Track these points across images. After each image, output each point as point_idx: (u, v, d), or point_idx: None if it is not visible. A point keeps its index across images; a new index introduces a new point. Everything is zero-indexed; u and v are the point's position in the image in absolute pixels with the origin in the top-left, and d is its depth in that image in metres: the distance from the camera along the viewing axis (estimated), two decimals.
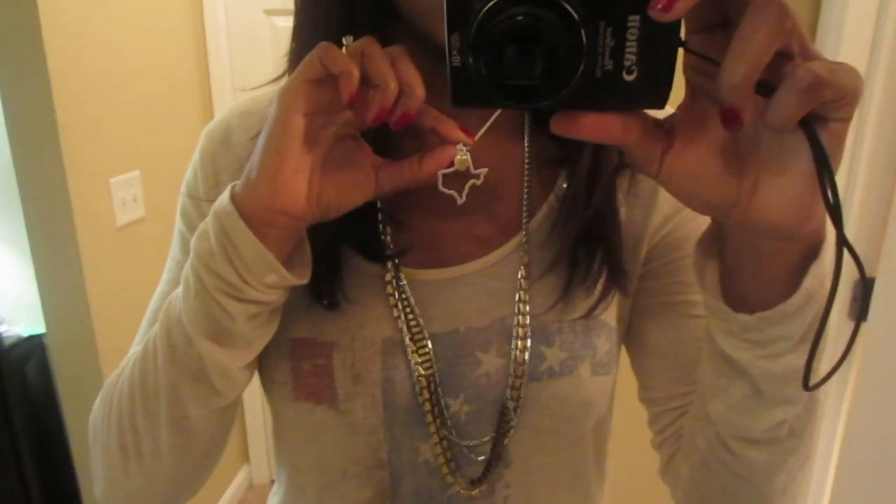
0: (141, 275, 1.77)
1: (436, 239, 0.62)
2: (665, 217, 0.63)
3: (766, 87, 0.34)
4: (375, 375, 0.59)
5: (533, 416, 0.60)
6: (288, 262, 0.51)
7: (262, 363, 0.61)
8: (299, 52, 0.57)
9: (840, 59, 0.35)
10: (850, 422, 1.38)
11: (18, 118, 1.50)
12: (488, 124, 0.60)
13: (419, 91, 0.45)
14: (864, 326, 1.29)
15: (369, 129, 0.50)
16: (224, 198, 0.49)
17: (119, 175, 1.74)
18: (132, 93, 1.80)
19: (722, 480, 0.57)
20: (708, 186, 0.40)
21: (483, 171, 0.61)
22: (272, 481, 2.02)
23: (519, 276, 0.60)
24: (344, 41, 0.50)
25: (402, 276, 0.60)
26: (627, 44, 0.36)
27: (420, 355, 0.59)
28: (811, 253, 0.42)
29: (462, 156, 0.59)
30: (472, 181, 0.61)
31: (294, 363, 0.60)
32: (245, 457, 2.75)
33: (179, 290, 0.53)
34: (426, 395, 0.59)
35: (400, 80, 0.45)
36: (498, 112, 0.61)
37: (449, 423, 0.60)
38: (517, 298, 0.60)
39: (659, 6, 0.33)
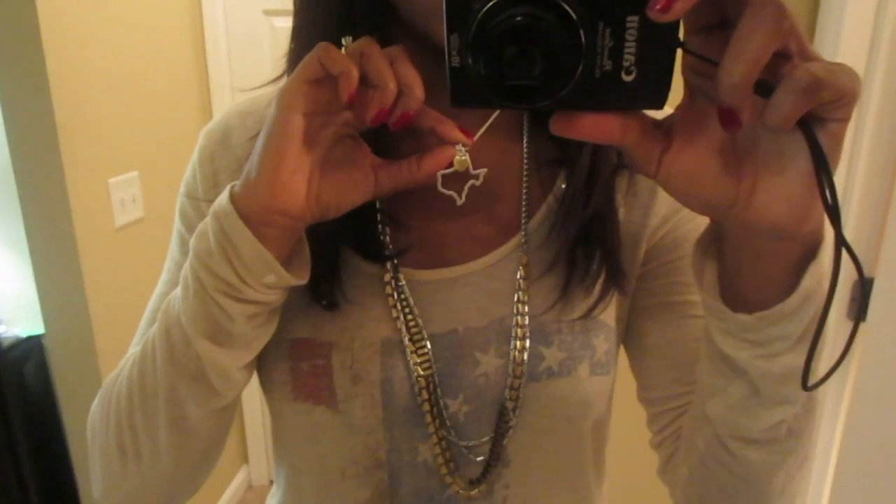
0: (140, 275, 1.77)
1: (435, 239, 0.62)
2: (663, 217, 0.63)
3: (764, 88, 0.34)
4: (374, 376, 0.59)
5: (532, 416, 0.60)
6: (287, 263, 0.51)
7: (261, 363, 0.61)
8: (298, 53, 0.57)
9: (838, 60, 0.35)
10: (848, 422, 1.38)
11: (17, 118, 1.49)
12: (487, 125, 0.60)
13: (418, 91, 0.45)
14: (862, 326, 1.29)
15: (368, 130, 0.50)
16: (223, 198, 0.49)
17: (118, 175, 1.73)
18: (131, 93, 1.80)
19: (720, 480, 0.57)
20: (706, 187, 0.40)
21: (482, 171, 0.61)
22: (271, 482, 2.02)
23: (518, 276, 0.60)
24: (343, 41, 0.50)
25: (401, 276, 0.60)
26: (626, 44, 0.36)
27: (419, 356, 0.59)
28: (809, 253, 0.42)
29: (461, 156, 0.59)
30: (471, 181, 0.61)
31: (293, 363, 0.60)
32: (244, 457, 2.74)
33: (178, 291, 0.53)
34: (425, 395, 0.59)
35: (399, 80, 0.45)
36: (497, 113, 0.61)
37: (448, 423, 0.60)
38: (516, 299, 0.60)
39: (657, 7, 0.33)
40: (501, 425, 0.60)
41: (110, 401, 0.59)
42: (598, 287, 0.61)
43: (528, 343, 0.59)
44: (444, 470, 0.61)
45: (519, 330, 0.59)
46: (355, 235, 0.60)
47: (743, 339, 0.46)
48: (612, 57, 0.36)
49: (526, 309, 0.60)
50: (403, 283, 0.60)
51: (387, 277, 0.60)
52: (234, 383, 0.55)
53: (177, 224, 0.66)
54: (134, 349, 0.61)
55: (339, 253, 0.60)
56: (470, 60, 0.36)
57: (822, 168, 0.36)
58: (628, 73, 0.36)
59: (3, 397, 1.59)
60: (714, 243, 0.47)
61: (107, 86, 1.69)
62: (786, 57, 0.35)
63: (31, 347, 1.66)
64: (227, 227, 0.48)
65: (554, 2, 0.34)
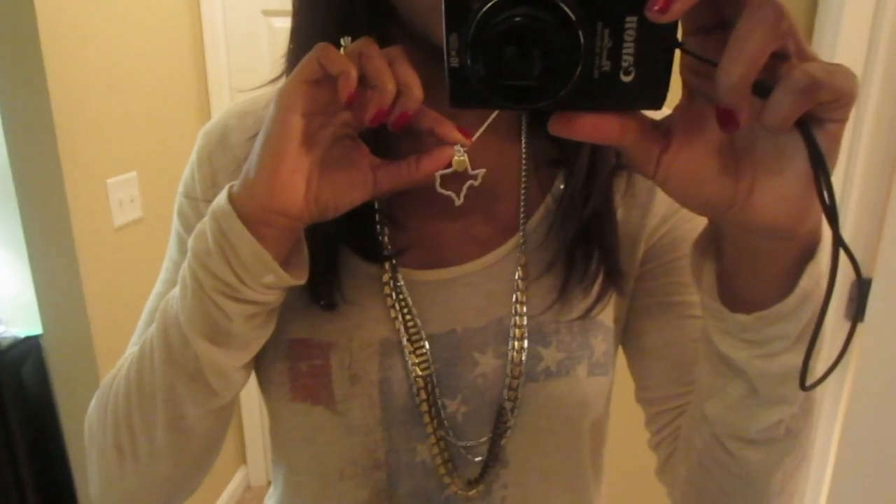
0: (138, 276, 1.76)
1: (433, 240, 0.62)
2: (662, 218, 0.63)
3: (762, 88, 0.34)
4: (373, 376, 0.59)
5: (530, 416, 0.60)
6: (285, 263, 0.51)
7: (260, 364, 0.61)
8: (297, 53, 0.57)
9: (836, 61, 0.36)
10: (846, 422, 1.38)
11: (15, 119, 1.49)
12: (486, 125, 0.60)
13: (417, 91, 0.45)
14: (860, 327, 1.29)
15: (367, 130, 0.50)
16: (222, 198, 0.49)
17: (116, 176, 1.73)
18: (129, 93, 1.80)
19: (719, 480, 0.57)
20: (705, 187, 0.40)
21: (481, 171, 0.61)
22: (269, 483, 2.01)
23: (516, 276, 0.60)
24: (342, 42, 0.50)
25: (400, 276, 0.60)
26: (625, 45, 0.36)
27: (417, 356, 0.59)
28: (808, 253, 0.43)
29: (460, 157, 0.59)
30: (469, 182, 0.61)
31: (291, 364, 0.60)
32: (242, 458, 2.74)
33: (176, 291, 0.53)
34: (423, 395, 0.59)
35: (398, 80, 0.45)
36: (496, 113, 0.61)
37: (446, 423, 0.60)
38: (514, 299, 0.60)
39: (656, 7, 0.33)
40: (499, 426, 0.60)
41: (108, 401, 0.59)
42: (596, 287, 0.61)
43: (526, 343, 0.59)
44: (442, 470, 0.61)
45: (517, 330, 0.59)
46: (354, 235, 0.60)
47: (741, 339, 0.46)
48: (611, 57, 0.36)
49: (524, 309, 0.60)
50: (402, 283, 0.60)
51: (385, 278, 0.60)
52: (233, 383, 0.55)
53: (175, 224, 0.66)
54: (132, 349, 0.61)
55: (338, 253, 0.60)
56: (469, 61, 0.36)
57: (820, 168, 0.36)
58: (627, 73, 0.37)
59: (1, 398, 1.59)
60: (712, 243, 0.47)
61: (105, 86, 1.69)
62: (784, 57, 0.35)
63: (29, 348, 1.66)
64: (226, 227, 0.48)
65: (553, 2, 0.34)
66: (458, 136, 0.49)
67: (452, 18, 0.36)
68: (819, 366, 0.47)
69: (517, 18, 0.34)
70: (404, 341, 0.59)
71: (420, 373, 0.59)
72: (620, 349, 0.69)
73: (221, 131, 0.64)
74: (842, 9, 1.26)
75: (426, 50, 0.48)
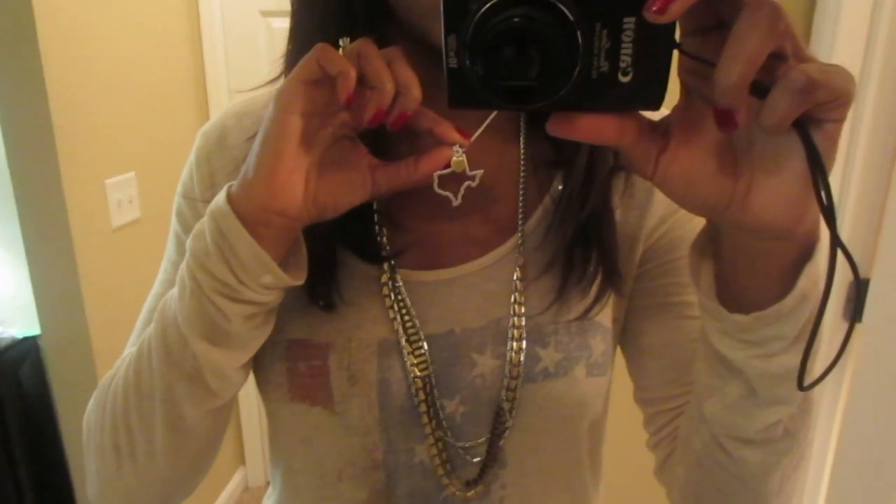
0: (136, 276, 1.76)
1: (432, 240, 0.62)
2: (660, 218, 0.63)
3: (760, 89, 0.34)
4: (371, 377, 0.59)
5: (528, 416, 0.60)
6: (284, 263, 0.51)
7: (258, 364, 0.61)
8: (296, 54, 0.57)
9: (834, 61, 0.36)
10: (845, 422, 1.38)
11: (14, 119, 1.49)
12: (484, 126, 0.60)
13: (415, 92, 0.45)
14: (858, 327, 1.29)
15: (366, 131, 0.50)
16: (220, 198, 0.49)
17: (114, 176, 1.73)
18: (128, 94, 1.79)
19: (717, 481, 0.57)
20: (703, 187, 0.40)
21: (479, 172, 0.61)
22: (268, 483, 2.01)
23: (514, 277, 0.60)
24: (341, 43, 0.50)
25: (399, 277, 0.60)
26: (623, 45, 0.36)
27: (416, 356, 0.59)
28: (805, 253, 0.43)
29: (458, 157, 0.59)
30: (467, 183, 0.61)
31: (290, 364, 0.59)
32: (241, 459, 2.74)
33: (175, 291, 0.53)
34: (422, 396, 0.59)
35: (396, 81, 0.45)
36: (494, 114, 0.61)
37: (444, 424, 0.60)
38: (513, 300, 0.60)
39: (654, 8, 0.33)
40: (498, 426, 0.60)
41: (106, 401, 0.59)
42: (594, 288, 0.61)
43: (524, 344, 0.59)
44: (440, 471, 0.61)
45: (515, 331, 0.59)
46: (352, 236, 0.60)
47: (739, 340, 0.46)
48: (609, 58, 0.36)
49: (522, 310, 0.60)
50: (400, 283, 0.60)
51: (384, 278, 0.60)
52: (231, 384, 0.55)
53: (174, 224, 0.66)
54: (130, 349, 0.61)
55: (336, 254, 0.60)
56: (467, 61, 0.36)
57: (818, 169, 0.36)
58: (625, 74, 0.37)
59: None
60: (710, 244, 0.47)
61: (104, 86, 1.69)
62: (781, 58, 0.35)
63: (27, 348, 1.65)
64: (224, 228, 0.48)
65: (551, 3, 0.34)
66: (456, 136, 0.49)
67: (451, 19, 0.36)
68: (817, 366, 0.47)
69: (515, 19, 0.34)
70: (403, 342, 0.59)
71: (418, 373, 0.59)
72: (619, 350, 0.69)
73: (220, 132, 0.64)
74: (839, 9, 1.26)
75: (424, 50, 0.48)
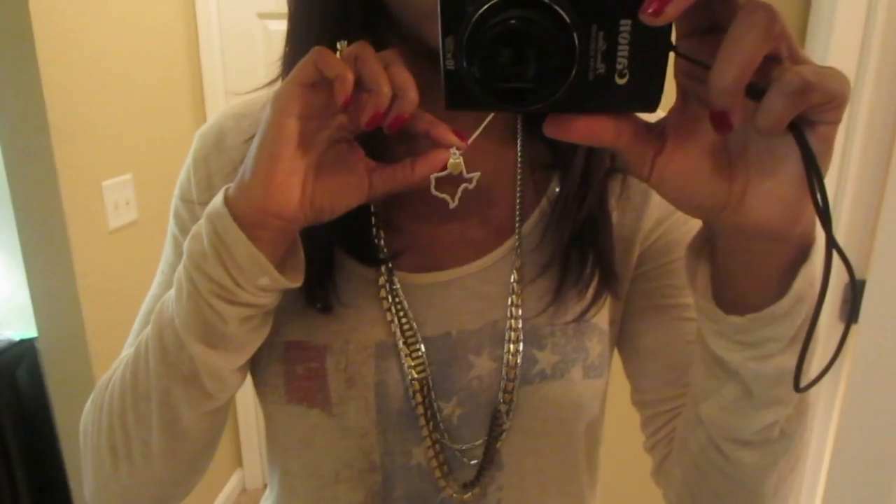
0: (133, 278, 1.76)
1: (429, 242, 0.62)
2: (656, 221, 0.63)
3: (755, 91, 0.34)
4: (368, 379, 0.59)
5: (525, 419, 0.60)
6: (281, 266, 0.51)
7: (255, 366, 0.61)
8: (293, 57, 0.57)
9: (829, 63, 0.36)
10: (841, 423, 1.38)
11: (10, 121, 1.49)
12: (481, 128, 0.60)
13: (412, 94, 0.45)
14: (854, 328, 1.29)
15: (363, 133, 0.51)
16: (217, 200, 0.49)
17: (111, 178, 1.73)
18: (125, 96, 1.79)
19: (714, 482, 0.57)
20: (698, 189, 0.40)
21: (476, 174, 0.61)
22: (265, 485, 2.01)
23: (511, 279, 0.61)
24: (338, 46, 0.50)
25: (396, 279, 0.60)
26: (619, 47, 0.36)
27: (413, 359, 0.59)
28: (801, 255, 0.43)
29: (455, 159, 0.60)
30: (464, 185, 0.61)
31: (287, 366, 0.59)
32: (238, 461, 2.74)
33: (172, 293, 0.53)
34: (419, 398, 0.59)
35: (393, 83, 0.45)
36: (491, 116, 0.61)
37: (441, 426, 0.60)
38: (509, 302, 0.60)
39: (650, 10, 0.33)
40: (495, 428, 0.60)
41: (103, 402, 0.59)
42: (591, 290, 0.61)
43: (521, 346, 0.59)
44: (437, 473, 0.61)
45: (512, 333, 0.60)
46: (349, 238, 0.60)
47: (735, 341, 0.46)
48: (606, 60, 0.36)
49: (519, 312, 0.60)
50: (398, 286, 0.60)
51: (381, 281, 0.60)
52: (228, 386, 0.55)
53: (171, 226, 0.66)
54: (127, 351, 0.61)
55: (334, 256, 0.60)
56: (464, 63, 0.36)
57: (813, 170, 0.36)
58: (621, 76, 0.37)
59: None
60: (706, 246, 0.47)
61: (100, 88, 1.68)
62: (776, 60, 0.35)
63: (23, 351, 1.65)
64: (221, 230, 0.48)
65: (548, 5, 0.34)
66: (453, 138, 0.49)
67: (448, 21, 0.36)
68: (813, 367, 0.47)
69: (512, 21, 0.34)
70: (400, 344, 0.59)
71: (416, 375, 0.59)
72: (616, 352, 0.69)
73: (217, 134, 0.64)
74: (834, 11, 1.27)
75: (422, 53, 0.48)
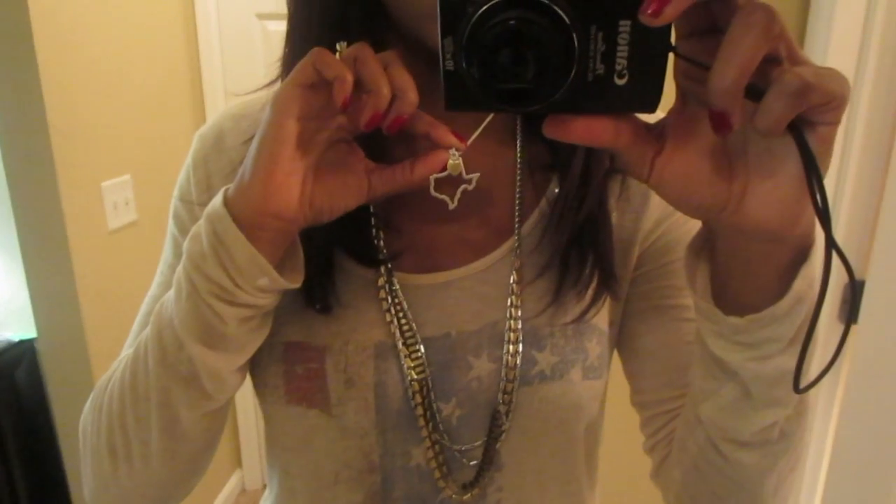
0: (133, 279, 1.76)
1: (428, 243, 0.62)
2: (656, 221, 0.63)
3: (754, 92, 0.35)
4: (368, 379, 0.59)
5: (524, 419, 0.60)
6: (280, 266, 0.51)
7: (255, 367, 0.61)
8: (293, 58, 0.57)
9: (828, 64, 0.36)
10: (841, 424, 1.38)
11: (10, 121, 1.49)
12: (481, 129, 0.60)
13: (412, 95, 0.45)
14: (853, 329, 1.29)
15: (362, 134, 0.51)
16: (217, 201, 0.49)
17: (111, 179, 1.73)
18: (124, 96, 1.79)
19: (713, 483, 0.57)
20: (698, 190, 0.40)
21: (475, 175, 0.61)
22: (265, 486, 2.01)
23: (511, 280, 0.61)
24: (338, 47, 0.50)
25: (395, 280, 0.60)
26: (619, 48, 0.36)
27: (412, 359, 0.59)
28: (801, 256, 0.43)
29: (454, 160, 0.60)
30: (463, 186, 0.61)
31: (286, 367, 0.59)
32: (237, 461, 2.74)
33: (171, 294, 0.53)
34: (418, 399, 0.59)
35: (393, 84, 0.45)
36: (490, 117, 0.61)
37: (441, 427, 0.60)
38: (509, 303, 0.60)
39: (649, 11, 0.33)
40: (494, 429, 0.60)
41: (102, 403, 0.59)
42: (590, 291, 0.61)
43: (520, 347, 0.59)
44: (437, 474, 0.61)
45: (512, 334, 0.60)
46: (349, 239, 0.60)
47: (735, 342, 0.46)
48: (605, 61, 0.36)
49: (519, 313, 0.60)
50: (397, 287, 0.60)
51: (380, 281, 0.60)
52: (227, 387, 0.55)
53: (170, 227, 0.66)
54: (127, 352, 0.61)
55: (333, 257, 0.60)
56: (464, 64, 0.36)
57: (813, 171, 0.36)
58: (621, 76, 0.37)
59: None
60: (706, 246, 0.47)
61: (100, 89, 1.68)
62: (776, 61, 0.35)
63: (22, 351, 1.65)
64: (221, 230, 0.48)
65: (547, 6, 0.34)
66: (452, 139, 0.49)
67: (448, 22, 0.36)
68: (813, 368, 0.47)
69: (512, 22, 0.34)
70: (399, 345, 0.59)
71: (415, 376, 0.59)
72: (616, 352, 0.69)
73: (217, 134, 0.64)
74: (833, 12, 1.27)
75: (421, 54, 0.48)
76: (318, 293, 0.59)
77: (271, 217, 0.48)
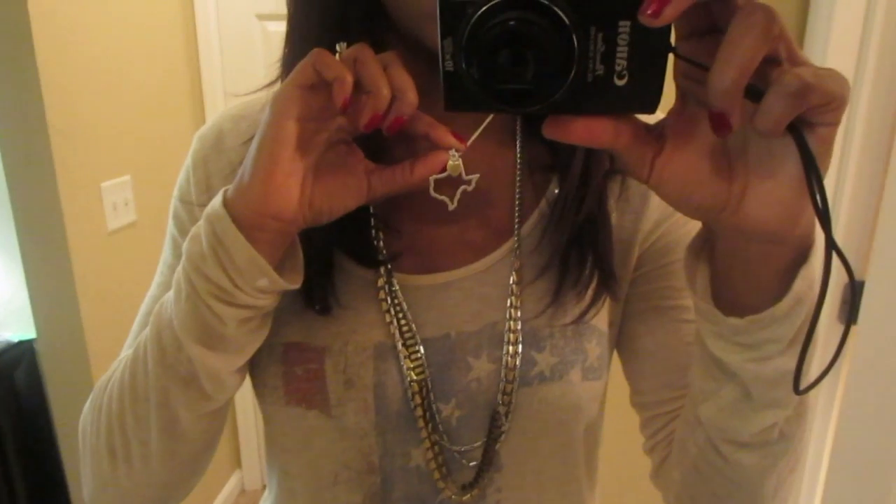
0: (132, 279, 1.76)
1: (428, 244, 0.62)
2: (655, 222, 0.63)
3: (754, 92, 0.35)
4: (367, 380, 0.59)
5: (524, 420, 0.60)
6: (280, 267, 0.51)
7: (254, 367, 0.61)
8: (292, 58, 0.57)
9: (827, 65, 0.36)
10: (840, 424, 1.38)
11: (9, 122, 1.49)
12: (480, 130, 0.60)
13: (411, 96, 0.45)
14: (853, 329, 1.29)
15: (362, 135, 0.51)
16: (216, 202, 0.49)
17: (110, 179, 1.73)
18: (124, 97, 1.79)
19: (713, 484, 0.57)
20: (698, 190, 0.40)
21: (475, 176, 0.61)
22: (264, 486, 2.01)
23: (510, 281, 0.61)
24: (337, 47, 0.50)
25: (395, 281, 0.60)
26: (618, 49, 0.36)
27: (412, 360, 0.59)
28: (800, 256, 0.43)
29: (454, 161, 0.60)
30: (463, 187, 0.61)
31: (286, 368, 0.59)
32: (237, 462, 2.73)
33: (171, 294, 0.53)
34: (418, 400, 0.59)
35: (392, 85, 0.45)
36: (490, 117, 0.61)
37: (440, 428, 0.60)
38: (509, 304, 0.60)
39: (648, 11, 0.33)
40: (494, 430, 0.60)
41: (101, 403, 0.59)
42: (590, 292, 0.61)
43: (520, 348, 0.59)
44: (436, 475, 0.60)
45: (511, 335, 0.60)
46: (349, 240, 0.60)
47: (734, 343, 0.46)
48: (605, 61, 0.36)
49: (518, 314, 0.60)
50: (397, 287, 0.60)
51: (380, 282, 0.60)
52: (226, 387, 0.55)
53: (170, 227, 0.66)
54: (126, 352, 0.61)
55: (333, 257, 0.60)
56: (464, 64, 0.36)
57: (812, 172, 0.36)
58: (620, 77, 0.37)
59: None
60: (706, 247, 0.47)
61: (99, 89, 1.68)
62: (775, 62, 0.35)
63: (22, 352, 1.65)
64: (220, 231, 0.48)
65: (547, 6, 0.34)
66: (452, 140, 0.49)
67: (447, 22, 0.36)
68: (812, 369, 0.47)
69: (511, 22, 0.34)
70: (399, 346, 0.59)
71: (414, 377, 0.59)
72: (616, 353, 0.69)
73: (216, 135, 0.64)
74: (833, 13, 1.27)
75: (421, 55, 0.48)
76: (317, 294, 0.59)
77: (271, 218, 0.48)
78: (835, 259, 0.37)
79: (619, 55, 0.36)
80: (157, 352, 0.53)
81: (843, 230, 1.38)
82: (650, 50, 0.36)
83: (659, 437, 0.65)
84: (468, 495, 0.61)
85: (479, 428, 0.60)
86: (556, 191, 0.61)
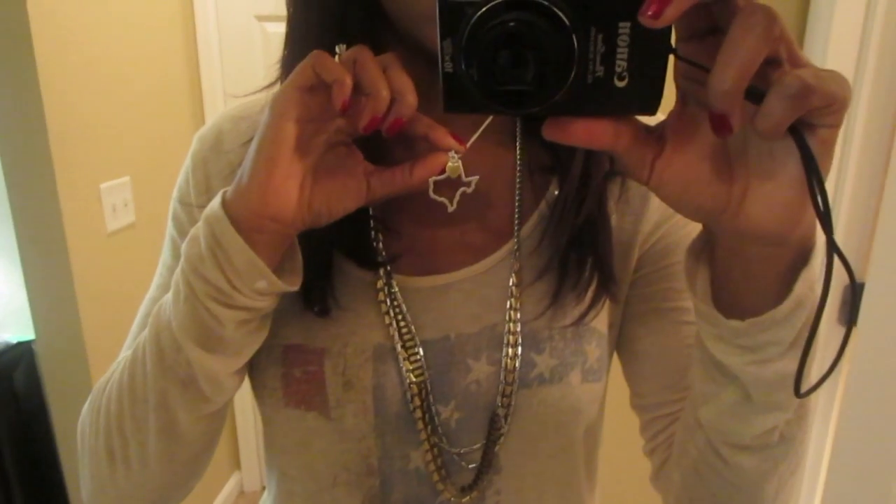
0: (131, 281, 1.76)
1: (427, 246, 0.62)
2: (656, 224, 0.63)
3: (755, 94, 0.34)
4: (366, 382, 0.59)
5: (523, 422, 0.60)
6: (279, 269, 0.51)
7: (253, 369, 0.61)
8: (292, 60, 0.57)
9: (828, 65, 0.36)
10: (840, 427, 1.38)
11: (8, 123, 1.49)
12: (480, 131, 0.60)
13: (411, 98, 0.45)
14: (853, 331, 1.29)
15: (361, 137, 0.50)
16: (215, 203, 0.49)
17: (109, 180, 1.73)
18: (123, 98, 1.79)
19: (713, 487, 0.57)
20: (698, 192, 0.40)
21: (474, 178, 0.61)
22: (264, 488, 2.00)
23: (510, 283, 0.60)
24: (337, 49, 0.50)
25: (394, 283, 0.60)
26: (618, 50, 0.36)
27: (411, 362, 0.59)
28: (801, 258, 0.43)
29: (453, 163, 0.59)
30: (463, 188, 0.61)
31: (285, 369, 0.59)
32: (236, 463, 2.73)
33: (169, 296, 0.53)
34: (417, 402, 0.59)
35: (392, 87, 0.45)
36: (490, 119, 0.61)
37: (440, 430, 0.60)
38: (508, 306, 0.60)
39: (649, 13, 0.33)
40: (493, 432, 0.60)
41: (100, 405, 0.59)
42: (589, 294, 0.61)
43: (519, 350, 0.59)
44: (435, 477, 0.60)
45: (511, 337, 0.59)
46: (348, 242, 0.60)
47: (735, 345, 0.46)
48: (605, 63, 0.36)
49: (518, 316, 0.60)
50: (396, 289, 0.60)
51: (379, 284, 0.60)
52: (225, 389, 0.55)
53: (169, 229, 0.65)
54: (125, 354, 0.60)
55: (332, 259, 0.60)
56: (463, 66, 0.36)
57: (813, 174, 0.36)
58: (621, 78, 0.37)
59: None
60: (706, 249, 0.47)
61: (99, 90, 1.68)
62: (776, 63, 0.35)
63: (20, 353, 1.65)
64: (219, 233, 0.48)
65: (547, 7, 0.34)
66: (451, 142, 0.49)
67: (447, 24, 0.36)
68: (813, 371, 0.47)
69: (511, 23, 0.34)
70: (398, 347, 0.59)
71: (414, 379, 0.59)
72: (616, 355, 0.69)
73: (216, 136, 0.64)
74: (833, 14, 1.27)
75: (420, 56, 0.48)
76: (316, 296, 0.59)
77: (269, 220, 0.48)
78: (835, 261, 0.37)
79: (619, 56, 0.36)
80: (156, 353, 0.53)
81: (842, 231, 1.38)
82: (650, 51, 0.36)
83: (659, 439, 0.65)
84: (467, 497, 0.61)
85: (479, 430, 0.60)
86: (556, 192, 0.61)
